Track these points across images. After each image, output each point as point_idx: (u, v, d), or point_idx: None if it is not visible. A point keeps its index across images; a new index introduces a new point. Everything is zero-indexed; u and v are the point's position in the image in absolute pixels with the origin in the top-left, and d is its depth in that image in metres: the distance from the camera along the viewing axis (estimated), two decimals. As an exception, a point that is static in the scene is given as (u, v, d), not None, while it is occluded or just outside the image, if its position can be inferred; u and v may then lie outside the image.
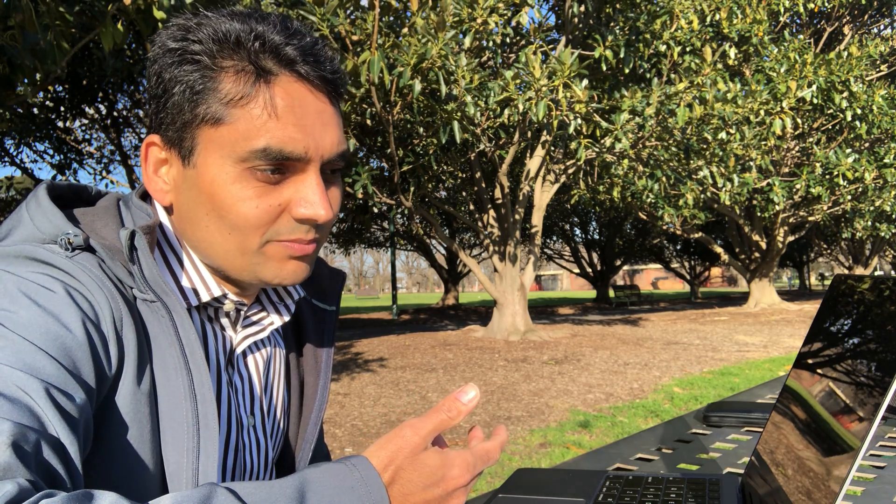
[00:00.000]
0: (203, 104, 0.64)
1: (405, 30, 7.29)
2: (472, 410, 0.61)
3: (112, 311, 0.60)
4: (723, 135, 9.27)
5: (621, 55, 8.57)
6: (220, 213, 0.66)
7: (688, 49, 9.34)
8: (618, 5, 9.67)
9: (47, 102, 11.91)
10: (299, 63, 0.65)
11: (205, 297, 0.71)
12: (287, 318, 0.80)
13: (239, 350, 0.76)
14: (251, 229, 0.65)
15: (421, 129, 9.08)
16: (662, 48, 9.14)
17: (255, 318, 0.79)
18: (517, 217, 11.24)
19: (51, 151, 13.56)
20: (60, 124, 12.94)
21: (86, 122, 13.95)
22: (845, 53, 11.52)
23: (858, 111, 11.69)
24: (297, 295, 0.81)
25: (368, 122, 8.03)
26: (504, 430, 0.66)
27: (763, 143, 10.42)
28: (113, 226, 0.67)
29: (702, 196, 11.53)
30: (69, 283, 0.59)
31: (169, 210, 0.72)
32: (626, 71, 9.14)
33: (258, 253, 0.67)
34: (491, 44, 8.98)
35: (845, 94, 11.45)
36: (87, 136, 14.55)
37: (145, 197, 0.75)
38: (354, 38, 6.58)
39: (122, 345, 0.60)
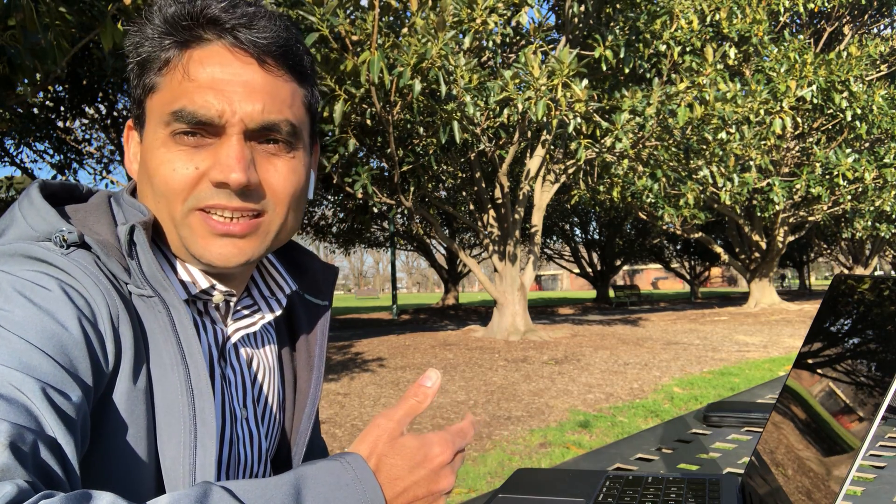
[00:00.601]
0: (145, 75, 0.67)
1: (405, 30, 7.29)
2: (436, 392, 0.63)
3: (109, 308, 0.60)
4: (723, 135, 9.27)
5: (621, 55, 8.57)
6: (150, 179, 0.67)
7: (688, 49, 9.34)
8: (618, 5, 9.67)
9: (47, 102, 11.91)
10: (229, 31, 0.66)
11: (194, 290, 0.71)
12: (278, 313, 0.80)
13: (230, 343, 0.76)
14: (172, 194, 0.66)
15: (421, 129, 9.08)
16: (662, 48, 9.14)
17: (246, 312, 0.79)
18: (517, 217, 11.24)
19: (51, 151, 13.57)
20: (60, 124, 12.94)
21: (86, 122, 13.96)
22: (845, 53, 11.52)
23: (858, 111, 11.68)
24: (288, 289, 0.81)
25: (368, 122, 8.03)
26: (471, 414, 0.68)
27: (763, 142, 10.42)
28: (105, 222, 0.67)
29: (702, 196, 11.53)
30: (65, 280, 0.59)
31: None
32: (626, 71, 9.14)
33: (184, 224, 0.67)
34: (491, 44, 8.98)
35: (845, 94, 11.45)
36: (87, 136, 14.56)
37: (136, 193, 0.75)
38: (354, 38, 6.58)
39: (119, 342, 0.60)
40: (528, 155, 11.34)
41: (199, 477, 0.62)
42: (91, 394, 0.56)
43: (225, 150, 0.65)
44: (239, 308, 0.78)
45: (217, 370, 0.73)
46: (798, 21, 17.49)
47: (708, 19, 9.58)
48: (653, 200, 11.56)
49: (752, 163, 10.69)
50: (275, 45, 0.67)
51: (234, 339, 0.77)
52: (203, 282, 0.71)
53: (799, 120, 10.71)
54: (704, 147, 9.69)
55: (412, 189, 10.18)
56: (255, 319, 0.79)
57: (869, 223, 14.91)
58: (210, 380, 0.71)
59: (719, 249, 18.20)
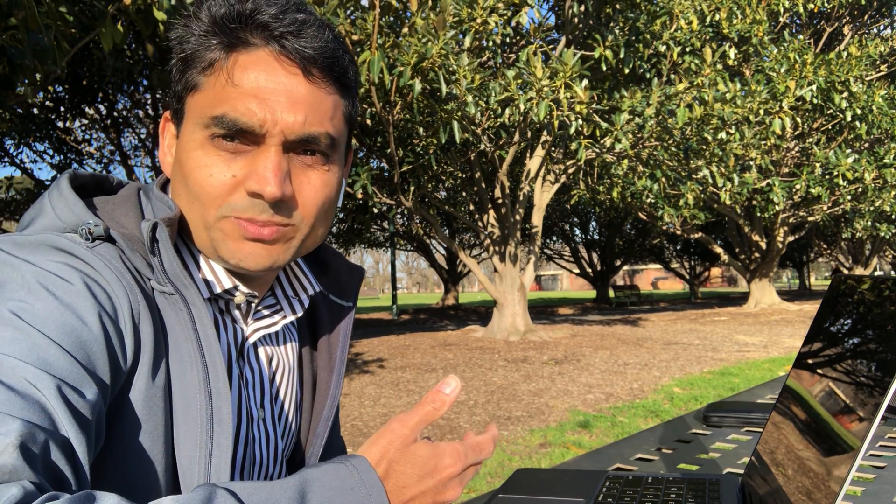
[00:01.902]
0: (188, 72, 0.67)
1: (405, 29, 7.29)
2: (454, 400, 0.63)
3: (130, 304, 0.60)
4: (722, 135, 9.27)
5: (621, 55, 8.57)
6: (185, 180, 0.67)
7: (688, 49, 9.34)
8: (618, 5, 9.67)
9: (47, 102, 11.91)
10: (276, 38, 0.65)
11: (217, 289, 0.71)
12: (300, 314, 0.80)
13: (250, 342, 0.76)
14: (208, 199, 0.65)
15: (421, 129, 9.08)
16: (662, 48, 9.14)
17: (266, 312, 0.78)
18: (517, 217, 11.24)
19: (51, 151, 13.57)
20: (60, 124, 12.95)
21: (86, 122, 13.96)
22: (845, 53, 11.52)
23: (858, 111, 11.68)
24: (311, 290, 0.81)
25: (368, 122, 8.03)
26: (495, 426, 0.68)
27: (763, 142, 10.42)
28: (133, 216, 0.67)
29: (702, 196, 11.53)
30: (88, 273, 0.59)
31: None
32: (626, 71, 9.14)
33: (216, 227, 0.67)
34: (491, 44, 8.98)
35: (845, 94, 11.45)
36: (87, 136, 14.55)
37: (165, 188, 0.75)
38: (355, 37, 6.58)
39: (139, 339, 0.60)
40: (528, 155, 11.34)
41: (215, 477, 0.62)
42: (108, 391, 0.55)
43: (262, 162, 0.64)
44: (260, 308, 0.78)
45: (235, 369, 0.73)
46: (798, 21, 17.49)
47: (708, 20, 9.58)
48: (653, 200, 11.56)
49: (752, 163, 10.69)
50: (321, 55, 0.66)
51: (253, 338, 0.76)
52: (227, 281, 0.71)
53: (799, 120, 10.70)
54: (704, 147, 9.69)
55: (412, 189, 10.18)
56: (276, 320, 0.79)
57: (869, 223, 14.91)
58: (228, 379, 0.71)
59: (719, 249, 18.20)
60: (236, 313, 0.75)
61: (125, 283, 0.60)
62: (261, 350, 0.78)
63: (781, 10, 12.16)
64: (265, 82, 0.64)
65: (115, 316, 0.58)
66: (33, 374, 0.49)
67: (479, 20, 7.13)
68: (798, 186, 12.88)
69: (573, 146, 8.70)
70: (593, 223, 27.76)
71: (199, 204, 0.66)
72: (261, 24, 0.65)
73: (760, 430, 1.31)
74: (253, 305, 0.76)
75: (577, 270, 30.50)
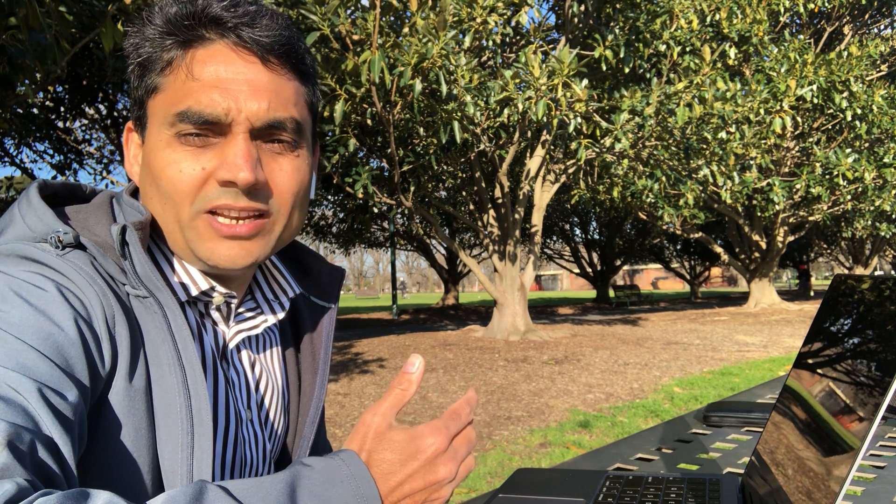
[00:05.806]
0: (147, 76, 0.67)
1: (406, 29, 7.29)
2: (420, 378, 0.62)
3: (104, 308, 0.60)
4: (723, 134, 9.27)
5: (621, 55, 8.57)
6: (156, 182, 0.67)
7: (688, 49, 9.34)
8: (618, 5, 9.67)
9: (47, 102, 11.91)
10: (231, 30, 0.65)
11: (194, 292, 0.71)
12: (280, 316, 0.80)
13: (232, 345, 0.76)
14: (180, 196, 0.65)
15: (421, 129, 9.07)
16: (662, 48, 9.14)
17: (248, 315, 0.79)
18: (517, 217, 11.24)
19: (51, 151, 13.56)
20: (60, 124, 12.94)
21: (86, 122, 13.95)
22: (845, 53, 11.52)
23: (858, 111, 11.68)
24: (291, 293, 0.81)
25: (369, 121, 8.03)
26: (472, 390, 0.66)
27: (763, 142, 10.42)
28: (105, 222, 0.67)
29: (702, 196, 11.52)
30: (61, 281, 0.59)
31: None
32: (626, 71, 9.14)
33: (191, 227, 0.66)
34: (491, 43, 8.98)
35: (845, 93, 11.45)
36: (87, 136, 14.54)
37: (135, 196, 0.75)
38: (355, 37, 6.58)
39: (115, 342, 0.60)
40: (528, 155, 11.34)
41: (197, 478, 0.62)
42: (88, 394, 0.56)
43: (231, 150, 0.65)
44: (241, 310, 0.78)
45: (220, 372, 0.73)
46: (798, 21, 17.49)
47: (708, 19, 9.58)
48: (653, 200, 11.56)
49: (752, 162, 10.69)
50: (277, 43, 0.67)
51: (235, 341, 0.76)
52: (203, 283, 0.71)
53: (799, 119, 10.71)
54: (704, 146, 9.69)
55: (412, 189, 10.18)
56: (258, 322, 0.79)
57: (869, 223, 14.90)
58: (214, 381, 0.71)
59: (719, 249, 18.19)
60: (216, 316, 0.75)
61: (97, 289, 0.60)
62: (244, 352, 0.78)
63: (781, 10, 12.16)
64: (225, 73, 0.64)
65: (90, 320, 0.58)
66: (13, 379, 0.49)
67: (478, 20, 7.13)
68: (798, 186, 12.88)
69: (573, 146, 8.70)
70: (593, 223, 27.77)
71: (171, 203, 0.66)
72: (214, 18, 0.65)
73: (760, 430, 1.31)
74: (233, 307, 0.77)
75: (577, 270, 30.50)
